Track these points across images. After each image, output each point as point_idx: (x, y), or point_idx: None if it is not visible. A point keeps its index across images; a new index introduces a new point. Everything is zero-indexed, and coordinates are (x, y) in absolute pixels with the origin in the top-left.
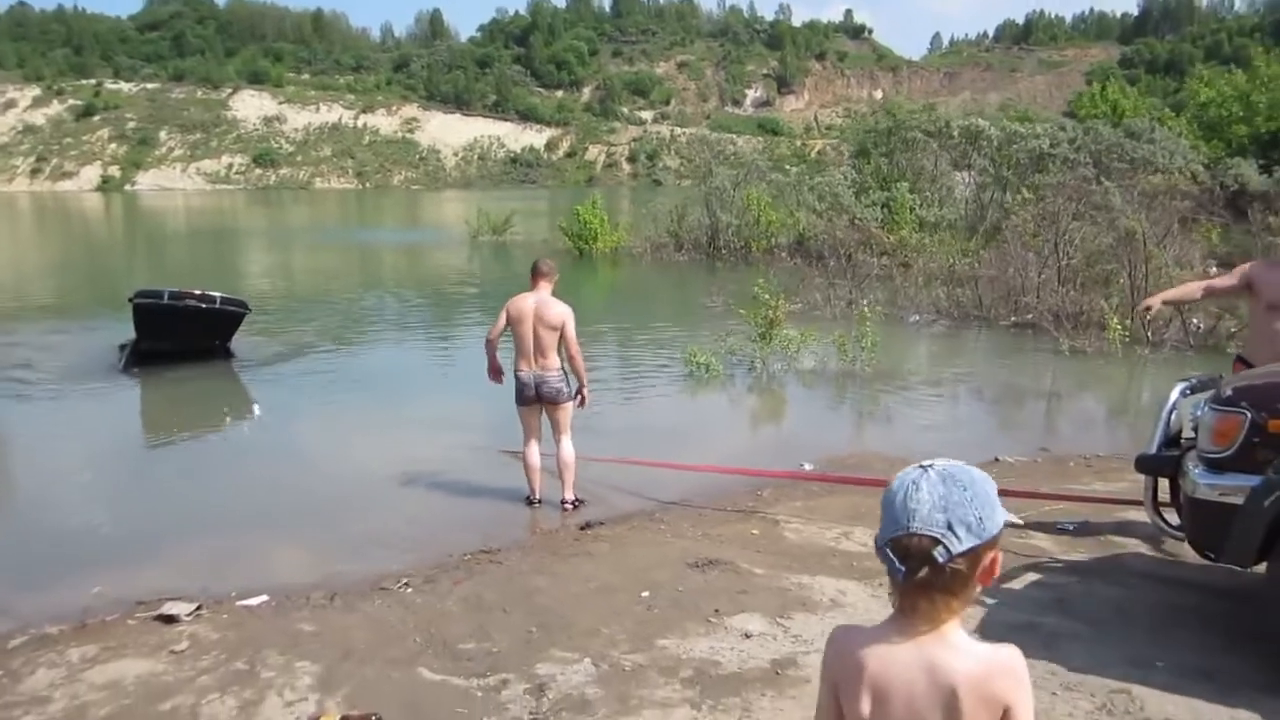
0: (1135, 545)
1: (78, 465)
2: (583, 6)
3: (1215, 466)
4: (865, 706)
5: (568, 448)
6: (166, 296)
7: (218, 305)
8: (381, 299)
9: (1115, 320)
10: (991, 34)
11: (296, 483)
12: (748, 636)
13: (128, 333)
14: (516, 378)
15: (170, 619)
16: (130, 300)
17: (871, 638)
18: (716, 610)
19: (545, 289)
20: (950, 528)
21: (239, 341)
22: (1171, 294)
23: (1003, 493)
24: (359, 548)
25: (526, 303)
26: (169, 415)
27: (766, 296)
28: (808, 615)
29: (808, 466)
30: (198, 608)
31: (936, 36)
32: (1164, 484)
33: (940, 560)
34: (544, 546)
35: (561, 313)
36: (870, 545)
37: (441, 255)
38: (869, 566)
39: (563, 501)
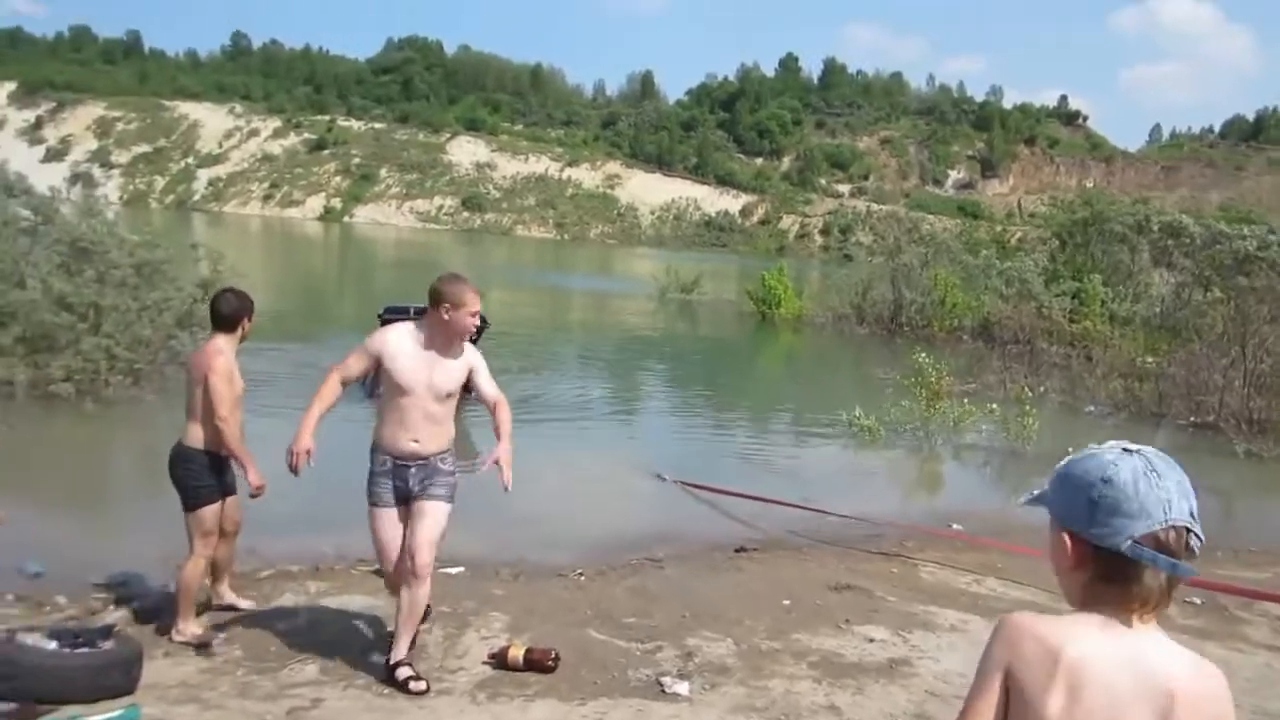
0: (1255, 619)
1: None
2: (791, 77)
3: None
4: (1056, 699)
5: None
6: (413, 312)
7: None
8: (571, 338)
9: None
10: (1217, 129)
11: (487, 485)
12: (871, 641)
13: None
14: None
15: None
16: (380, 316)
17: (1070, 626)
18: (847, 620)
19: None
20: (1193, 516)
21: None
22: None
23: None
24: (542, 546)
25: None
26: None
27: (931, 370)
28: (927, 633)
29: (956, 527)
30: None
31: (1156, 128)
32: None
33: (1196, 551)
34: (701, 560)
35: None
36: (999, 591)
37: (631, 305)
38: (992, 606)
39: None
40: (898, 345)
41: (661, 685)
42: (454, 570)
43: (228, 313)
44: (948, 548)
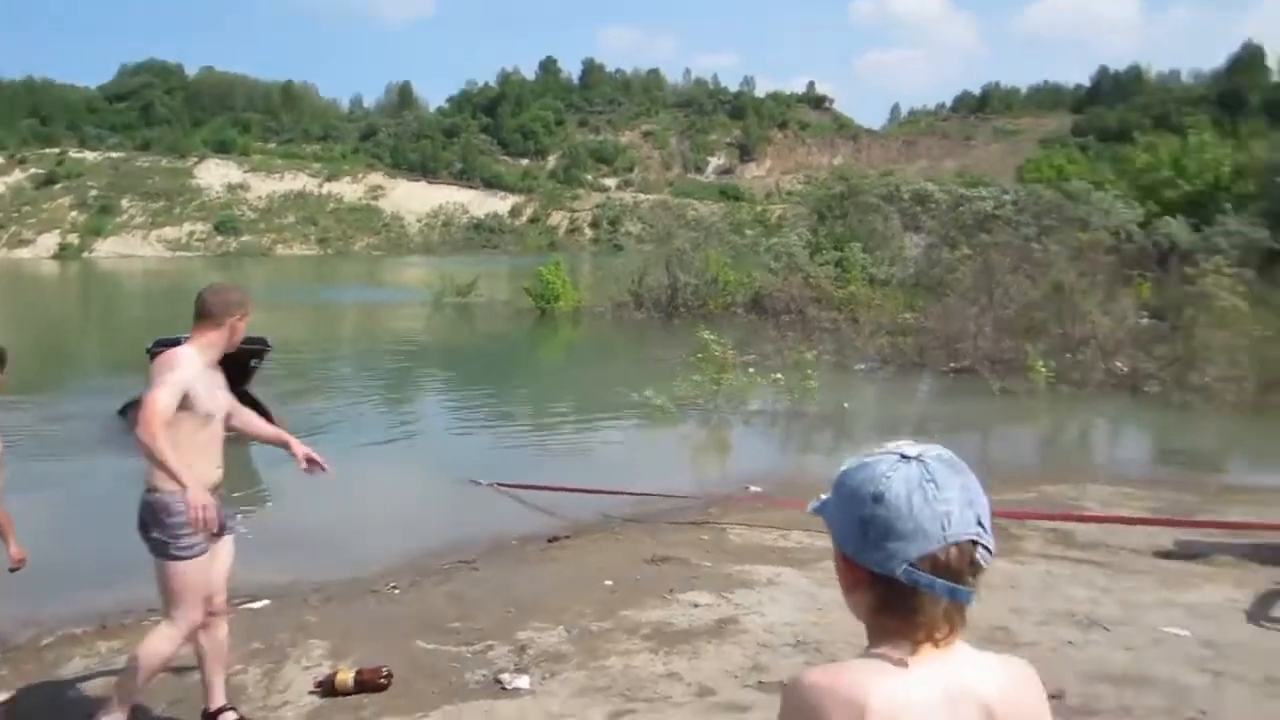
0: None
1: (86, 510)
2: (551, 78)
3: None
4: None
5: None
6: (184, 341)
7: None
8: (349, 353)
9: (1040, 363)
10: (949, 104)
11: (279, 514)
12: (696, 606)
13: (124, 394)
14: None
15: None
16: (149, 351)
17: (866, 672)
18: (670, 590)
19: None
20: (981, 524)
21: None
22: None
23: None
24: (345, 564)
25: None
26: None
27: (715, 345)
28: (747, 590)
29: (754, 489)
30: None
31: (896, 107)
32: None
33: (985, 566)
34: (514, 556)
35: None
36: (805, 543)
37: (406, 313)
38: (801, 557)
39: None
40: (676, 326)
41: (501, 683)
42: (257, 604)
43: None
44: (749, 510)
